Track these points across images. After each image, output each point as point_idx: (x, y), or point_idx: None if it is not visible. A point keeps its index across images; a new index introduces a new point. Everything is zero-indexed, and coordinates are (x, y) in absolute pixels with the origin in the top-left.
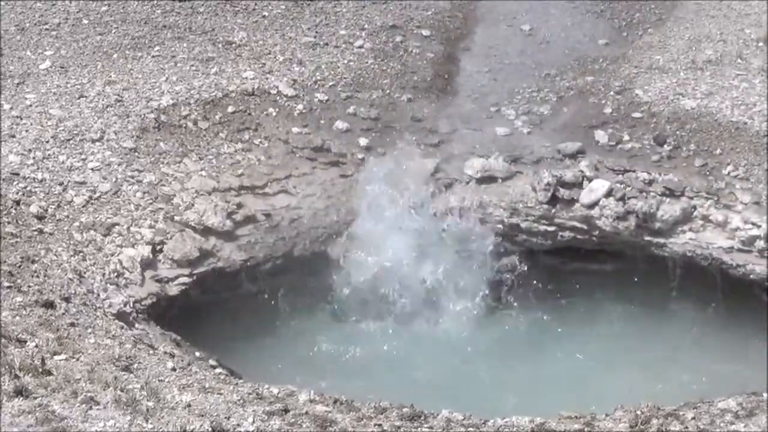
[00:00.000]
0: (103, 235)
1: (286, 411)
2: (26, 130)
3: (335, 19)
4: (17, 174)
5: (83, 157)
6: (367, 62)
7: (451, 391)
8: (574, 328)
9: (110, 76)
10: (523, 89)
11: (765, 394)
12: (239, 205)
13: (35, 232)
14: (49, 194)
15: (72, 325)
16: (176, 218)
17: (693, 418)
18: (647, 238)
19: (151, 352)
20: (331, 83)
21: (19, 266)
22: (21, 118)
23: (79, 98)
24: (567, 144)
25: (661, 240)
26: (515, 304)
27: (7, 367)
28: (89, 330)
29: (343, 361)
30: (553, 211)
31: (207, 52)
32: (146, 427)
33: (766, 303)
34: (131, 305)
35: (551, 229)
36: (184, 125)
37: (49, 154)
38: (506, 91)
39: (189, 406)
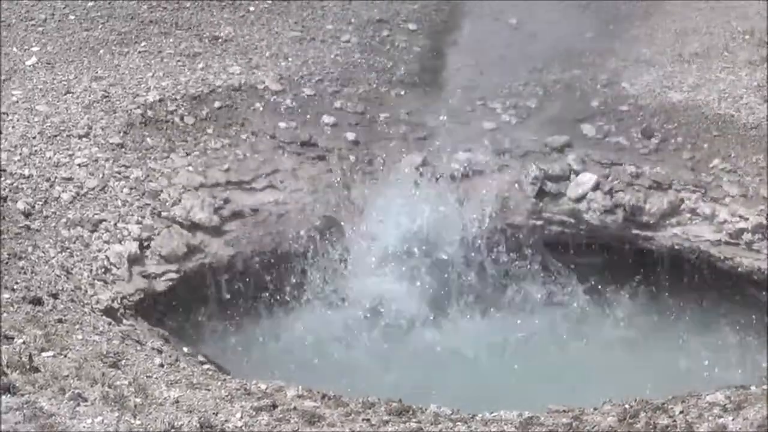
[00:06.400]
0: (90, 231)
1: (274, 407)
2: (13, 127)
3: (322, 14)
4: (4, 170)
5: (70, 153)
6: (353, 57)
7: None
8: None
9: (97, 72)
10: (509, 83)
11: (753, 387)
12: (226, 201)
13: (22, 229)
14: (36, 190)
15: (60, 321)
16: (163, 214)
17: (681, 412)
18: (635, 231)
19: (138, 348)
20: (317, 78)
21: (7, 263)
22: (7, 115)
23: (65, 94)
24: (554, 137)
25: (649, 233)
26: None
27: None
28: (77, 326)
29: None
30: (541, 204)
31: (193, 48)
32: (134, 424)
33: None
34: (119, 301)
35: (539, 223)
36: (170, 121)
37: (35, 150)
38: (493, 84)
39: (177, 402)
